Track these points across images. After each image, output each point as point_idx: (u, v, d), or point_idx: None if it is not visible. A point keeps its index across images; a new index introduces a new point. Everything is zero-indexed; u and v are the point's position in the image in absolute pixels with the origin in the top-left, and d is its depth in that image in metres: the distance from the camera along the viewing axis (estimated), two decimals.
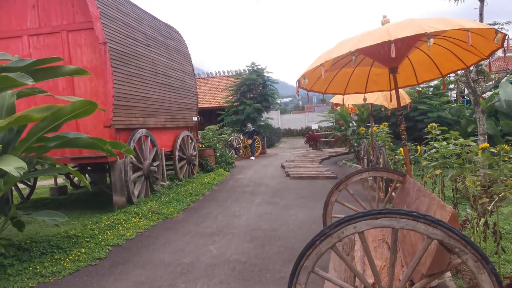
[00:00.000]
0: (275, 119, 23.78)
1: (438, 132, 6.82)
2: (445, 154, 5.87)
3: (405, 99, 8.99)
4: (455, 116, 13.43)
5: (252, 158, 17.71)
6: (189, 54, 12.14)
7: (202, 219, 6.88)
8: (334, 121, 26.43)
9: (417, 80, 4.86)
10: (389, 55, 4.00)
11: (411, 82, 4.91)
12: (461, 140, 4.75)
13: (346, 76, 4.96)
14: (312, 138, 21.45)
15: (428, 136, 6.97)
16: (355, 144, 14.39)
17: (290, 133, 35.38)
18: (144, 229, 6.23)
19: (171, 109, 10.15)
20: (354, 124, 15.39)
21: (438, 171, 6.07)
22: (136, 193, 7.85)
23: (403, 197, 3.70)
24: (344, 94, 5.24)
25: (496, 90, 13.57)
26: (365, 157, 11.38)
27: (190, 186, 9.67)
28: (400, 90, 9.46)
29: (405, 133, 4.14)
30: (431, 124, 6.91)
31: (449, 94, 14.78)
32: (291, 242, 5.32)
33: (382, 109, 10.53)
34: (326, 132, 24.23)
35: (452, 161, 5.72)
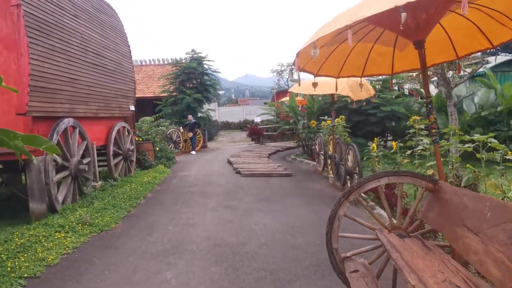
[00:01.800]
0: (215, 111, 22.50)
1: (422, 126, 6.23)
2: (441, 152, 5.23)
3: (370, 90, 8.37)
4: (407, 111, 13.33)
5: (193, 152, 16.35)
6: (125, 34, 10.47)
7: (148, 230, 5.54)
8: (275, 114, 25.96)
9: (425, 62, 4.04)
10: (414, 24, 3.13)
11: (417, 65, 4.06)
12: (479, 136, 4.04)
13: (343, 55, 4.01)
14: (255, 132, 20.59)
15: (410, 131, 6.35)
16: (305, 138, 13.73)
17: (228, 126, 34.28)
18: (73, 248, 4.76)
19: (104, 96, 8.51)
20: (304, 117, 14.75)
21: (430, 171, 5.41)
22: (60, 198, 6.24)
23: (446, 211, 2.81)
24: (337, 77, 4.29)
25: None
26: (321, 152, 10.70)
27: (128, 187, 8.17)
28: (363, 79, 8.85)
29: (435, 127, 3.27)
30: (414, 117, 6.28)
31: (397, 88, 14.71)
32: (269, 263, 4.26)
33: (349, 101, 9.90)
34: (268, 126, 23.55)
35: (453, 160, 5.09)
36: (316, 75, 4.13)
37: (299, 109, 15.41)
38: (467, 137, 4.13)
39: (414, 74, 19.00)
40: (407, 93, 16.63)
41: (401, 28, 2.52)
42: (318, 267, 4.11)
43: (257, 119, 23.36)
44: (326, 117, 11.69)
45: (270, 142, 20.89)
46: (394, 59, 4.07)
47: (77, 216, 5.82)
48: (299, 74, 3.80)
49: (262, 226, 5.66)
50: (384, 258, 3.27)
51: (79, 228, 5.39)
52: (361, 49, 3.94)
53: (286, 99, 17.08)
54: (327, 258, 4.35)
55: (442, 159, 5.51)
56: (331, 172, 9.77)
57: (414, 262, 2.49)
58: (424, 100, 14.17)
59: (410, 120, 6.18)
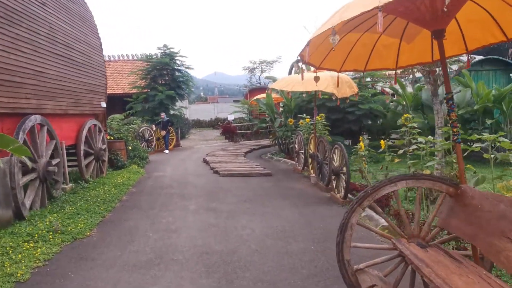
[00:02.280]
0: (188, 108, 21.85)
1: (414, 125, 6.10)
2: (439, 151, 5.10)
3: (353, 88, 8.23)
4: (384, 109, 13.37)
5: (167, 151, 15.78)
6: (95, 25, 9.82)
7: (127, 238, 5.10)
8: (248, 112, 25.67)
9: (432, 56, 3.85)
10: (433, 10, 2.90)
11: (425, 58, 3.89)
12: (488, 135, 3.90)
13: (348, 47, 3.74)
14: (229, 130, 20.20)
15: (402, 130, 6.21)
16: (282, 136, 13.51)
17: (199, 124, 33.67)
18: (44, 261, 4.25)
19: (74, 91, 7.90)
20: (281, 115, 14.53)
21: (426, 171, 5.28)
22: (28, 203, 5.66)
23: (475, 219, 2.60)
24: (340, 71, 4.02)
25: (418, 84, 13.92)
26: (301, 151, 10.50)
27: (101, 189, 7.62)
28: (345, 76, 8.70)
29: (457, 125, 3.05)
30: (405, 115, 6.15)
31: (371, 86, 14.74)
32: (265, 273, 3.95)
33: (333, 98, 9.71)
34: (241, 124, 23.22)
35: (453, 160, 4.95)
36: (318, 68, 3.85)
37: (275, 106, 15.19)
38: (476, 136, 3.98)
39: (387, 73, 19.19)
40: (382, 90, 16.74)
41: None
42: (319, 277, 3.84)
43: (231, 117, 22.99)
44: (304, 115, 11.52)
45: (244, 140, 20.57)
46: (400, 52, 3.86)
47: (47, 223, 5.28)
48: (302, 67, 3.51)
49: (250, 231, 5.34)
50: (400, 269, 3.03)
51: (50, 236, 4.86)
52: (368, 40, 3.69)
53: (262, 96, 16.80)
54: (326, 266, 4.13)
55: (441, 159, 5.42)
56: (312, 171, 9.58)
57: (452, 280, 2.25)
58: (394, 99, 14.32)
59: (402, 118, 6.05)
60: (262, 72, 34.84)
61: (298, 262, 4.22)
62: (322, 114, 10.85)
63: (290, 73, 19.71)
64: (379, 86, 17.89)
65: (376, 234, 4.97)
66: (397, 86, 17.39)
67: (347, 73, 11.33)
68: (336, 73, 8.05)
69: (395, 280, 3.05)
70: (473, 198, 2.78)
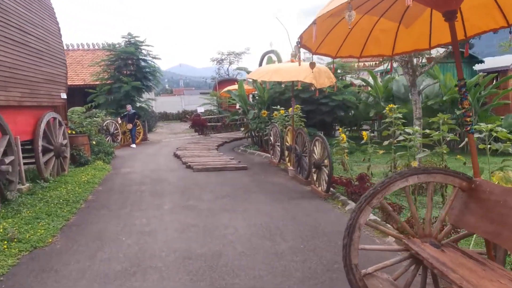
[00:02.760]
0: (155, 100, 20.88)
1: (399, 115, 5.88)
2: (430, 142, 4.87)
3: (331, 78, 7.95)
4: (357, 100, 13.27)
5: (134, 146, 15.00)
6: (53, 8, 8.97)
7: (96, 244, 4.55)
8: (217, 104, 25.09)
9: (430, 42, 3.57)
10: None
11: (422, 45, 3.60)
12: (484, 125, 3.68)
13: (345, 31, 3.38)
14: (199, 123, 19.57)
15: (386, 120, 5.97)
16: (256, 129, 13.12)
17: (166, 117, 32.67)
18: None
19: (30, 80, 7.13)
20: (253, 107, 14.13)
21: (414, 163, 5.06)
22: None
23: (497, 215, 2.32)
24: (335, 57, 3.66)
25: (388, 76, 13.93)
26: (277, 143, 10.17)
27: (63, 189, 6.95)
28: (323, 66, 8.41)
29: (470, 114, 2.77)
30: (390, 106, 5.92)
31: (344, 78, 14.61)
32: (256, 278, 3.57)
33: (312, 88, 9.37)
34: (211, 116, 22.64)
35: (443, 151, 4.74)
36: (314, 53, 3.47)
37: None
38: (478, 127, 3.76)
39: (357, 64, 19.22)
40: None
41: None
42: (314, 279, 3.51)
43: (200, 110, 22.37)
44: (278, 106, 11.19)
45: (214, 133, 20.02)
46: (397, 38, 3.55)
47: (1, 230, 4.63)
48: (297, 53, 3.12)
49: (233, 230, 4.94)
50: (410, 272, 2.73)
51: (5, 246, 4.24)
52: (366, 24, 3.35)
53: (234, 87, 16.32)
54: (320, 267, 3.79)
55: (429, 150, 5.21)
56: (289, 164, 9.28)
57: (484, 286, 1.95)
58: (364, 91, 14.27)
59: (386, 108, 5.82)
60: (230, 63, 34.25)
61: (290, 264, 3.87)
62: (298, 106, 10.57)
63: (260, 64, 19.30)
64: (348, 78, 17.87)
65: (374, 234, 4.74)
66: (366, 77, 17.40)
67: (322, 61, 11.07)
68: (317, 65, 7.75)
69: (406, 283, 2.76)
70: (491, 193, 2.52)
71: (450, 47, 7.25)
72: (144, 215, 5.72)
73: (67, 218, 5.50)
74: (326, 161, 6.77)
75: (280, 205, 6.17)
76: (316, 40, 3.34)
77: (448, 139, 4.45)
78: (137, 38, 17.92)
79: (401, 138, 5.16)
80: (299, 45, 3.17)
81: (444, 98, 11.60)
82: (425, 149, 4.98)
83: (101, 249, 4.36)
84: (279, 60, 14.64)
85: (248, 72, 16.21)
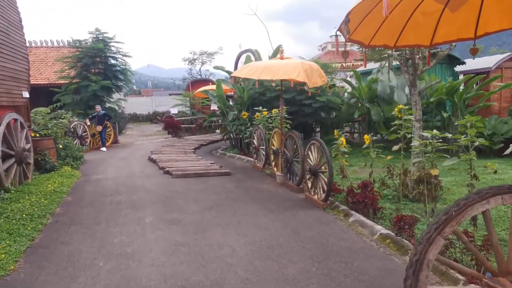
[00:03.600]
0: (127, 101, 19.66)
1: (411, 117, 5.42)
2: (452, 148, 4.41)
3: (323, 77, 7.48)
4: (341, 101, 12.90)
5: (104, 149, 13.99)
6: None
7: (68, 271, 3.79)
8: (191, 105, 24.25)
9: (476, 31, 3.07)
10: None
11: (466, 33, 3.09)
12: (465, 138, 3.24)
13: (405, 14, 2.83)
14: (172, 125, 18.68)
15: (395, 123, 5.49)
16: (235, 131, 12.48)
17: (136, 118, 31.36)
18: None
19: None
20: (232, 107, 13.49)
21: (435, 171, 4.60)
22: None
23: None
24: (368, 46, 3.11)
25: (371, 76, 13.65)
26: (262, 147, 9.59)
27: (26, 201, 6.06)
28: (315, 64, 7.90)
29: None
30: (399, 106, 5.46)
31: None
32: None
33: (305, 87, 8.81)
34: (184, 118, 21.78)
35: (473, 158, 4.28)
36: (347, 40, 2.90)
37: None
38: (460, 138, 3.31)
39: (338, 65, 18.93)
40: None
41: None
42: None
43: (173, 111, 21.44)
44: (261, 107, 10.64)
45: (188, 135, 19.19)
46: (440, 24, 3.03)
47: None
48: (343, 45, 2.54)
49: (230, 250, 4.30)
50: None
51: None
52: (408, 4, 2.81)
53: (211, 87, 15.61)
54: None
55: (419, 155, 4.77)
56: (276, 169, 8.73)
57: None
58: (352, 91, 13.96)
59: (395, 109, 5.35)
60: (203, 63, 33.35)
61: None
62: (284, 107, 10.06)
63: (236, 64, 18.68)
64: (329, 78, 17.56)
65: (391, 252, 4.23)
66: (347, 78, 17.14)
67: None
68: (307, 61, 7.20)
69: None
70: None
71: (455, 44, 6.94)
72: (123, 231, 4.98)
73: (31, 237, 4.67)
74: (323, 167, 6.26)
75: (275, 216, 5.58)
76: (351, 26, 2.80)
77: (476, 143, 4.00)
78: (105, 35, 16.84)
79: (415, 143, 4.69)
80: (346, 24, 2.58)
81: (432, 100, 11.41)
82: (446, 155, 4.53)
83: (75, 279, 3.61)
84: (260, 60, 14.08)
85: (226, 71, 15.63)
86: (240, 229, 5.00)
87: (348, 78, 18.37)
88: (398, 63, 7.23)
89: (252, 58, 14.69)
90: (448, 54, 15.72)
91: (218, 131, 20.02)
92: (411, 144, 4.86)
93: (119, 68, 16.99)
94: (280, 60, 7.53)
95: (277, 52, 13.78)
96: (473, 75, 12.45)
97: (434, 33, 3.10)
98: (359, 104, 13.00)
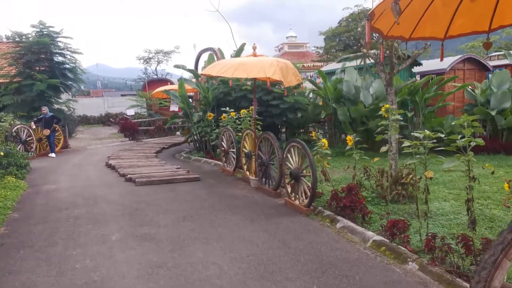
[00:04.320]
0: (77, 102, 18.15)
1: (398, 117, 5.14)
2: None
3: (298, 76, 7.14)
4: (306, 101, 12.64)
5: (53, 155, 12.75)
6: None
7: None
8: (148, 106, 23.13)
9: (490, 24, 2.78)
10: None
11: (482, 26, 2.78)
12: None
13: (425, 3, 2.43)
14: (129, 127, 17.59)
15: (382, 123, 5.18)
16: (200, 133, 11.84)
17: (87, 121, 29.58)
18: None
19: None
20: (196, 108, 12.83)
21: (429, 173, 4.30)
22: None
23: None
24: (409, 39, 2.70)
25: (336, 76, 13.54)
26: (232, 150, 9.06)
27: None
28: (289, 62, 7.50)
29: None
30: (386, 106, 5.16)
31: None
32: None
33: (282, 87, 8.33)
34: (142, 120, 20.68)
35: (472, 159, 4.01)
36: (385, 37, 2.47)
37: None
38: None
39: (301, 65, 18.75)
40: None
41: None
42: None
43: (130, 112, 20.28)
44: (227, 108, 10.13)
45: (146, 138, 18.18)
46: (457, 14, 2.70)
47: None
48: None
49: (217, 270, 3.75)
50: None
51: None
52: None
53: (171, 87, 14.82)
54: None
55: (395, 154, 4.51)
56: (248, 173, 8.25)
57: None
58: (317, 91, 13.79)
59: (382, 109, 5.06)
60: (159, 62, 32.08)
61: None
62: (252, 107, 9.60)
63: (197, 63, 17.99)
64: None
65: (389, 261, 3.88)
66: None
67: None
68: (281, 59, 6.80)
69: None
70: None
71: (429, 43, 6.81)
72: (86, 253, 4.26)
73: None
74: (305, 171, 5.85)
75: (258, 226, 5.10)
76: (387, 17, 2.37)
77: (473, 144, 3.75)
78: (51, 29, 15.45)
79: (406, 144, 4.38)
80: (369, 22, 2.16)
81: (397, 100, 11.42)
82: (440, 157, 4.25)
83: None
84: (223, 59, 13.53)
85: (189, 70, 14.93)
86: (223, 243, 4.46)
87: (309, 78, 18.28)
88: (373, 61, 7.00)
89: (215, 57, 14.14)
90: (407, 55, 16.12)
91: (178, 133, 19.18)
92: (403, 145, 4.58)
93: (68, 66, 15.66)
94: (253, 57, 7.06)
95: (241, 50, 13.39)
96: (434, 75, 12.70)
97: (449, 25, 2.76)
98: (325, 104, 12.84)
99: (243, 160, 8.55)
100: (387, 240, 4.25)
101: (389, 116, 4.91)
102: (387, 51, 6.36)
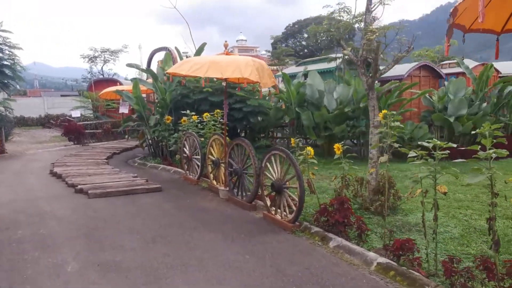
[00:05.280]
0: (16, 101, 16.07)
1: (398, 124, 4.74)
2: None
3: (273, 78, 6.66)
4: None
5: None
6: None
7: None
8: (94, 108, 21.52)
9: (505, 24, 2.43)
10: None
11: None
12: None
13: None
14: (74, 130, 16.10)
15: (380, 130, 4.77)
16: (157, 137, 10.94)
17: (24, 123, 26.97)
18: None
19: None
20: (152, 111, 11.89)
21: (442, 188, 3.92)
22: None
23: None
24: (501, 32, 2.23)
25: (298, 80, 13.22)
26: (196, 157, 8.35)
27: None
28: (264, 63, 6.98)
29: None
30: (384, 111, 4.75)
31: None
32: None
33: (259, 88, 7.65)
34: (88, 122, 19.13)
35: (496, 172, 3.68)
36: (468, 31, 1.98)
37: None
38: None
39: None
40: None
41: None
42: None
43: (75, 114, 18.67)
44: (188, 111, 9.41)
45: (93, 142, 16.76)
46: None
47: None
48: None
49: None
50: None
51: None
52: None
53: (124, 88, 13.69)
54: None
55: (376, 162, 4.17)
56: (215, 182, 7.60)
57: None
58: (279, 94, 13.42)
59: (380, 114, 4.65)
60: (105, 62, 30.13)
61: None
62: (218, 110, 8.96)
63: (149, 63, 16.95)
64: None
65: (387, 282, 3.41)
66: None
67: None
68: (257, 59, 6.24)
69: None
70: None
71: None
72: None
73: None
74: (288, 182, 5.34)
75: (242, 247, 4.48)
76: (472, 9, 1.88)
77: (494, 156, 3.42)
78: None
79: (412, 154, 4.01)
80: (452, 19, 1.66)
81: (361, 105, 11.33)
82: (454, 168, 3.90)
83: None
84: (181, 59, 12.72)
85: (142, 70, 13.92)
86: (207, 272, 3.80)
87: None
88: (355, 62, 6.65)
89: (175, 54, 13.29)
90: (368, 60, 16.25)
91: (127, 136, 17.95)
92: (409, 156, 4.22)
93: (6, 63, 13.91)
94: (226, 56, 6.44)
95: (201, 50, 12.65)
96: (398, 81, 12.80)
97: (508, 18, 2.37)
98: (287, 108, 12.47)
99: (209, 168, 7.88)
100: (394, 263, 3.82)
101: (386, 122, 4.51)
102: (373, 53, 6.02)
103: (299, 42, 57.94)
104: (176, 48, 13.30)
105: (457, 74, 16.08)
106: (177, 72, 6.24)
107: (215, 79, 10.15)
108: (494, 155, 3.37)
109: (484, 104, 12.87)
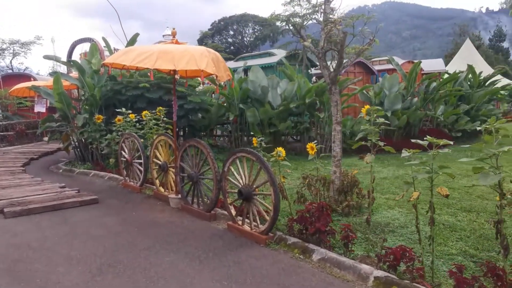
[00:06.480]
0: None
1: (383, 120, 4.30)
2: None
3: (228, 72, 6.01)
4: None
5: None
6: None
7: None
8: (3, 107, 18.85)
9: None
10: None
11: None
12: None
13: None
14: None
15: (365, 127, 4.27)
16: (87, 139, 9.58)
17: None
18: None
19: None
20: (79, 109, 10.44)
21: (443, 190, 3.53)
22: None
23: None
24: None
25: (240, 75, 12.59)
26: (138, 161, 7.33)
27: None
28: (219, 54, 6.24)
29: None
30: (366, 107, 4.29)
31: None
32: None
33: (217, 82, 6.70)
34: None
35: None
36: None
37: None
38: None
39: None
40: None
41: None
42: None
43: None
44: (123, 109, 8.35)
45: (5, 146, 14.51)
46: None
47: None
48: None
49: None
50: None
51: None
52: None
53: (41, 83, 11.90)
54: None
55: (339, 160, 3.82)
56: (162, 189, 6.72)
57: None
58: (216, 91, 12.70)
59: (363, 110, 4.19)
60: (14, 55, 26.63)
61: None
62: (161, 108, 8.02)
63: (70, 55, 15.17)
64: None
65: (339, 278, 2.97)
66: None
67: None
68: (212, 50, 5.57)
69: None
70: None
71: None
72: None
73: None
74: (257, 189, 4.69)
75: (217, 272, 3.73)
76: None
77: (506, 149, 3.11)
78: None
79: (405, 154, 3.60)
80: None
81: (307, 101, 11.05)
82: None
83: None
84: (110, 52, 11.36)
85: (66, 62, 12.32)
86: None
87: None
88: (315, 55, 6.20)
89: (101, 47, 11.90)
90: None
91: (45, 138, 15.88)
92: (403, 155, 3.82)
93: None
94: (176, 45, 5.57)
95: (134, 41, 11.42)
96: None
97: None
98: (229, 105, 11.80)
99: (155, 174, 6.95)
100: (395, 277, 3.39)
101: (371, 119, 4.07)
102: (339, 45, 5.59)
103: (225, 39, 57.70)
104: (103, 38, 11.90)
105: (387, 71, 16.70)
106: (119, 63, 5.22)
107: (148, 73, 9.19)
108: (498, 152, 3.06)
109: (415, 99, 13.46)
